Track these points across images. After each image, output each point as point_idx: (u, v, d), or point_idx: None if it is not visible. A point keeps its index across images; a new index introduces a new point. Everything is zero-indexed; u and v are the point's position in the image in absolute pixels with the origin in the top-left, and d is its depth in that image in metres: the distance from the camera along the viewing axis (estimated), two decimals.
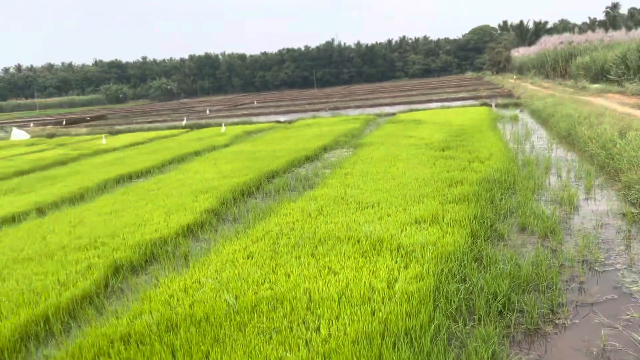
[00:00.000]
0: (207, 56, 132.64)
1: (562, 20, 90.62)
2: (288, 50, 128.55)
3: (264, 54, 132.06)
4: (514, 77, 52.19)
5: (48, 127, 37.06)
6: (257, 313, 4.95)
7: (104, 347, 4.60)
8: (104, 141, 23.98)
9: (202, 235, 8.42)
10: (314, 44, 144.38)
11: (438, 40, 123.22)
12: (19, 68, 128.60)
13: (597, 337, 4.53)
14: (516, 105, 27.09)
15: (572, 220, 7.76)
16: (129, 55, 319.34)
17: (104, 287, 6.39)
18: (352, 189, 9.88)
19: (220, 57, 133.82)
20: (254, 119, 33.21)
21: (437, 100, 35.10)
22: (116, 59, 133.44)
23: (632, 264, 6.04)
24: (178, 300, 5.45)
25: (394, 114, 27.57)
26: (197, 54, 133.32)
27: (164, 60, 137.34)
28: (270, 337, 4.50)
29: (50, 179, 14.35)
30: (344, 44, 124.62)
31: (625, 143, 10.82)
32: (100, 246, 7.70)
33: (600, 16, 79.22)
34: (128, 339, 4.70)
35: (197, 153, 18.18)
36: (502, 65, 71.06)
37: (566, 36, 48.77)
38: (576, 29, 60.09)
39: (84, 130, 33.45)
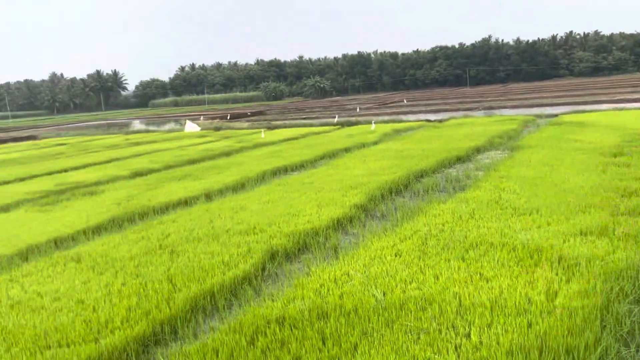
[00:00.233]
0: (360, 55, 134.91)
1: None
2: (441, 48, 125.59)
3: (416, 52, 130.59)
4: None
5: (215, 120, 40.74)
6: (405, 311, 4.95)
7: (261, 326, 4.95)
8: (263, 135, 25.69)
9: (350, 229, 8.63)
10: (468, 41, 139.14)
11: (612, 35, 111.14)
12: (192, 67, 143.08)
13: None
14: None
15: None
16: (287, 54, 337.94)
17: (261, 271, 6.86)
18: (507, 193, 9.37)
19: (372, 55, 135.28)
20: (403, 117, 33.05)
21: (608, 102, 31.72)
22: (275, 58, 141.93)
23: None
24: (328, 290, 5.66)
25: (556, 115, 25.52)
26: (349, 53, 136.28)
27: (318, 59, 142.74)
28: (418, 337, 4.47)
29: (217, 168, 15.77)
30: (502, 40, 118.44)
31: None
32: (259, 232, 8.28)
33: None
34: (282, 322, 5.00)
35: (347, 150, 18.64)
36: None
37: None
38: None
39: (245, 124, 36.17)
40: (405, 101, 57.80)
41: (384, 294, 5.39)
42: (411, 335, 4.52)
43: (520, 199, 8.79)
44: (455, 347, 4.26)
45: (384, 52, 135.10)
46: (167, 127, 41.85)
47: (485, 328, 4.49)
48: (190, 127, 35.92)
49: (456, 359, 4.07)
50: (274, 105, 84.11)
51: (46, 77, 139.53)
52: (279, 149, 20.19)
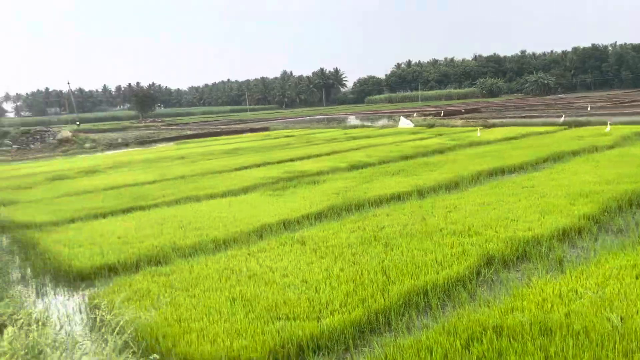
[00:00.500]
0: (594, 47, 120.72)
1: None
2: None
3: None
4: None
5: (428, 117, 40.69)
6: None
7: (476, 332, 4.80)
8: (479, 133, 24.78)
9: (579, 242, 7.81)
10: None
11: None
12: (408, 64, 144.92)
13: None
14: None
15: None
16: (507, 49, 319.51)
17: (475, 275, 6.65)
18: None
19: (609, 48, 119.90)
20: None
21: None
22: (494, 54, 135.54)
23: None
24: (552, 305, 5.22)
25: None
26: (581, 46, 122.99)
27: (543, 54, 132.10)
28: None
29: (429, 165, 15.73)
30: None
31: None
32: (474, 235, 8.02)
33: None
34: (500, 331, 4.77)
35: (575, 153, 16.88)
36: None
37: None
38: None
39: (459, 122, 35.35)
40: None
41: (621, 319, 4.75)
42: None
43: None
44: None
45: (625, 44, 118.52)
46: (380, 122, 43.25)
47: None
48: (404, 123, 36.49)
49: None
50: (490, 102, 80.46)
51: (278, 75, 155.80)
52: (496, 148, 19.24)
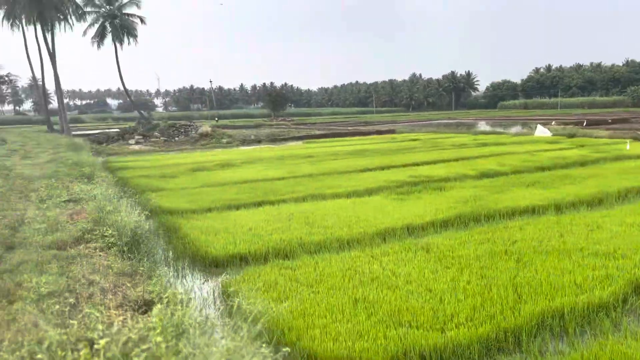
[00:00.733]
0: None
1: None
2: None
3: None
4: None
5: (569, 126, 37.69)
6: None
7: None
8: (628, 147, 22.44)
9: None
10: None
11: None
12: (548, 68, 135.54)
13: None
14: None
15: None
16: None
17: (621, 302, 6.01)
18: None
19: None
20: None
21: None
22: None
23: None
24: None
25: None
26: None
27: None
28: None
29: (569, 178, 14.56)
30: None
31: None
32: (620, 258, 7.28)
33: None
34: None
35: None
36: None
37: None
38: None
39: (604, 133, 32.28)
40: None
41: None
42: None
43: None
44: None
45: None
46: (514, 130, 40.91)
47: None
48: (541, 131, 34.18)
49: None
50: None
51: (407, 78, 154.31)
52: None
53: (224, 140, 39.29)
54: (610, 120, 47.89)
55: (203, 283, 7.70)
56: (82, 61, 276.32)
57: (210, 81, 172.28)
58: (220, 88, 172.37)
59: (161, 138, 40.23)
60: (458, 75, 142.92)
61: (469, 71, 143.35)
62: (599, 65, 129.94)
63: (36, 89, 72.24)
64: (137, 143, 38.49)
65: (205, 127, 43.25)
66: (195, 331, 3.53)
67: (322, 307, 5.95)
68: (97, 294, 5.20)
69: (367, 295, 6.28)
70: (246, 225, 10.18)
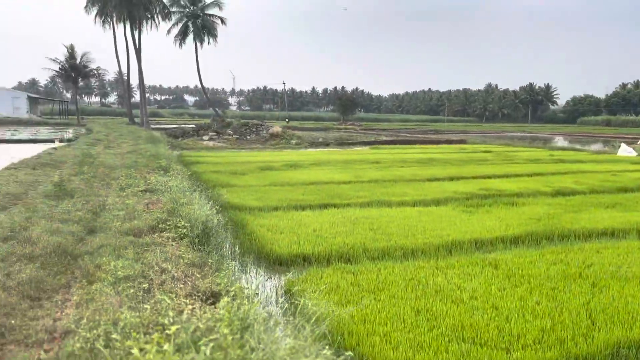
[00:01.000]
0: None
1: None
2: None
3: None
4: None
5: None
6: None
7: None
8: None
9: None
10: None
11: None
12: (636, 84, 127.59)
13: None
14: None
15: None
16: None
17: None
18: None
19: None
20: None
21: None
22: None
23: None
24: None
25: None
26: None
27: None
28: None
29: None
30: None
31: None
32: None
33: None
34: None
35: None
36: None
37: None
38: None
39: None
40: None
41: None
42: None
43: None
44: None
45: None
46: (594, 147, 38.87)
47: None
48: (625, 150, 32.21)
49: None
50: None
51: (482, 87, 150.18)
52: None
53: (293, 141, 39.89)
54: None
55: (267, 280, 7.86)
56: (164, 58, 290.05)
57: (284, 83, 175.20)
58: (293, 90, 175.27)
59: (233, 136, 41.43)
60: (536, 87, 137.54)
61: (548, 83, 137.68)
62: None
63: (121, 83, 76.58)
64: (210, 139, 39.85)
65: (276, 128, 44.11)
66: (259, 327, 3.61)
67: (383, 315, 5.90)
68: (169, 282, 5.43)
69: (430, 307, 6.17)
70: (311, 226, 10.29)
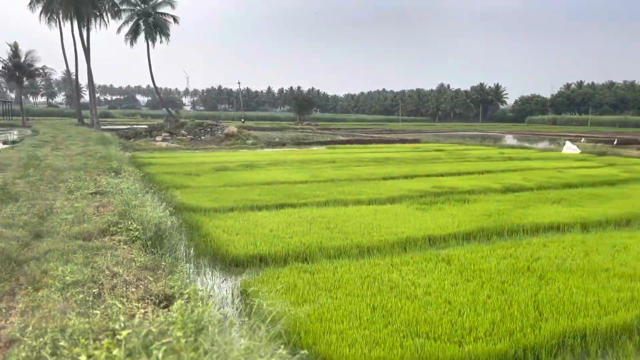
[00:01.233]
0: None
1: None
2: None
3: None
4: None
5: (598, 144, 36.99)
6: None
7: None
8: None
9: None
10: None
11: None
12: (580, 85, 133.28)
13: None
14: None
15: None
16: None
17: None
18: None
19: None
20: None
21: None
22: None
23: None
24: None
25: None
26: None
27: None
28: None
29: (597, 198, 14.28)
30: None
31: None
32: None
33: None
34: None
35: None
36: None
37: None
38: None
39: (636, 152, 31.60)
40: None
41: None
42: None
43: None
44: None
45: None
46: (541, 145, 40.35)
47: None
48: (569, 148, 33.59)
49: None
50: None
51: (435, 87, 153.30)
52: None
53: (249, 142, 39.59)
54: None
55: (222, 281, 7.77)
56: (114, 57, 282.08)
57: (239, 82, 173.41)
58: (248, 90, 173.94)
59: (187, 136, 40.74)
60: (487, 87, 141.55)
61: (497, 84, 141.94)
62: (632, 83, 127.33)
63: (69, 82, 73.93)
64: (164, 140, 39.05)
65: (232, 128, 43.66)
66: (214, 328, 3.56)
67: (339, 313, 5.94)
68: (120, 286, 5.29)
69: (385, 303, 6.25)
70: (267, 227, 10.24)
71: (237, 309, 6.13)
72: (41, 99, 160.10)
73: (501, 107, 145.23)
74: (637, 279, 7.21)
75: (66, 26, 55.16)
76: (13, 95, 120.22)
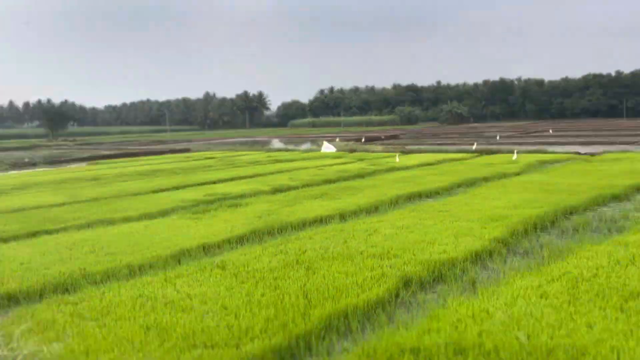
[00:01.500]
0: (502, 81, 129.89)
1: None
2: (595, 75, 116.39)
3: (565, 79, 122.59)
4: None
5: (350, 142, 41.65)
6: (553, 359, 4.55)
7: (395, 354, 4.87)
8: (398, 159, 25.63)
9: (490, 264, 8.20)
10: (627, 68, 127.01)
11: None
12: (331, 90, 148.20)
13: None
14: None
15: None
16: (424, 79, 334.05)
17: (394, 297, 6.77)
18: None
19: (515, 82, 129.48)
20: (549, 148, 30.95)
21: None
22: (412, 83, 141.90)
23: None
24: (466, 325, 5.41)
25: None
26: (491, 79, 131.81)
27: (456, 85, 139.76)
28: None
29: (351, 190, 16.02)
30: None
31: None
32: (392, 257, 8.20)
33: None
34: (417, 353, 4.87)
35: (486, 179, 17.86)
36: None
37: None
38: None
39: (379, 147, 36.44)
40: (551, 131, 54.15)
41: (528, 337, 5.01)
42: None
43: None
44: None
45: (529, 79, 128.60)
46: (304, 146, 43.67)
47: None
48: (327, 148, 37.04)
49: None
50: (408, 129, 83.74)
51: (201, 96, 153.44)
52: (414, 174, 19.96)
53: None
54: (383, 137, 54.26)
55: None
56: None
57: None
58: None
59: None
60: (251, 95, 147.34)
61: (261, 91, 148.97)
62: (372, 88, 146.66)
63: None
64: None
65: None
66: None
67: (108, 341, 5.47)
68: None
69: (159, 321, 5.98)
70: (17, 260, 8.91)
71: None
72: None
73: (266, 113, 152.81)
74: (386, 257, 8.26)
75: None
76: None
